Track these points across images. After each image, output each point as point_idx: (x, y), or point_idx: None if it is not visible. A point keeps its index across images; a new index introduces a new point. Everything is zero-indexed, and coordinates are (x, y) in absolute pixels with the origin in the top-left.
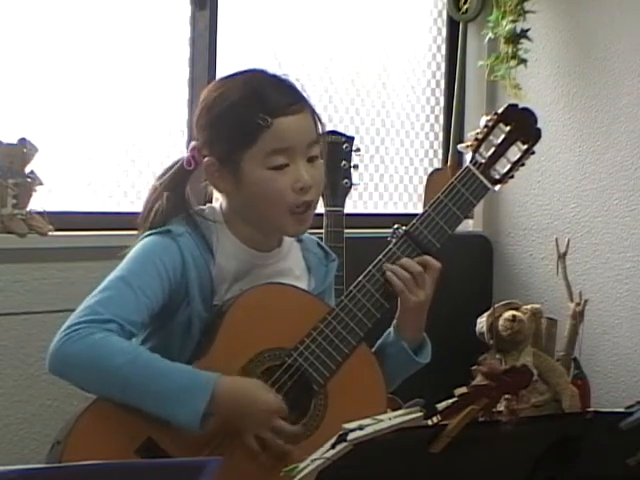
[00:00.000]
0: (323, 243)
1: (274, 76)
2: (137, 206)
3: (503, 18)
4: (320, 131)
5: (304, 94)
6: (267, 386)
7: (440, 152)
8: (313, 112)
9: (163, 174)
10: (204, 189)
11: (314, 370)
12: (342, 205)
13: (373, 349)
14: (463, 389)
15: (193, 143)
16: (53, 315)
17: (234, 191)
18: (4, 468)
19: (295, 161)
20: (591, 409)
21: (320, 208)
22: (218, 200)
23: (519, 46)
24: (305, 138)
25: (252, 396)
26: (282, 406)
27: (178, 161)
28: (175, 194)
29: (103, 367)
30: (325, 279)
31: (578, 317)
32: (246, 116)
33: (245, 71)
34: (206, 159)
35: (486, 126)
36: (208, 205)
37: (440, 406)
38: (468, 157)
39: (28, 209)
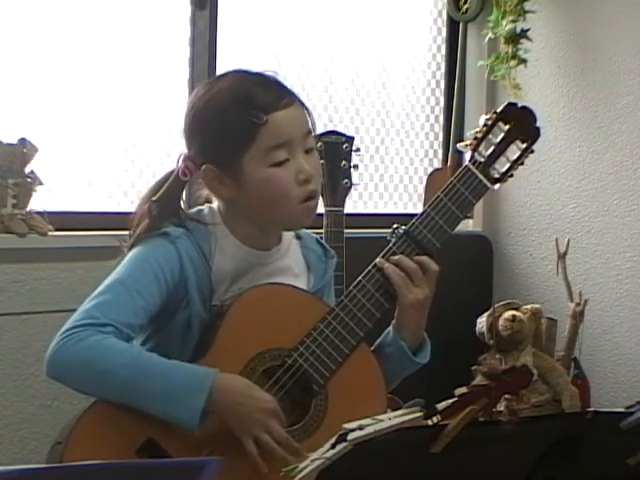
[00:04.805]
0: (322, 240)
1: (258, 74)
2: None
3: (503, 18)
4: (312, 122)
5: (290, 88)
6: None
7: (440, 152)
8: (302, 104)
9: (157, 188)
10: (200, 197)
11: (314, 370)
12: (342, 205)
13: (371, 348)
14: (463, 389)
15: (185, 153)
16: (53, 315)
17: (237, 195)
18: (4, 468)
19: (295, 154)
20: (591, 409)
21: (320, 208)
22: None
23: (519, 46)
24: (301, 129)
25: (251, 394)
26: (278, 408)
27: (171, 173)
28: (169, 206)
29: (101, 369)
30: (324, 276)
31: (578, 317)
32: (240, 117)
33: (227, 73)
34: (204, 167)
35: (485, 125)
36: (207, 205)
37: (440, 406)
38: (467, 156)
39: (28, 209)
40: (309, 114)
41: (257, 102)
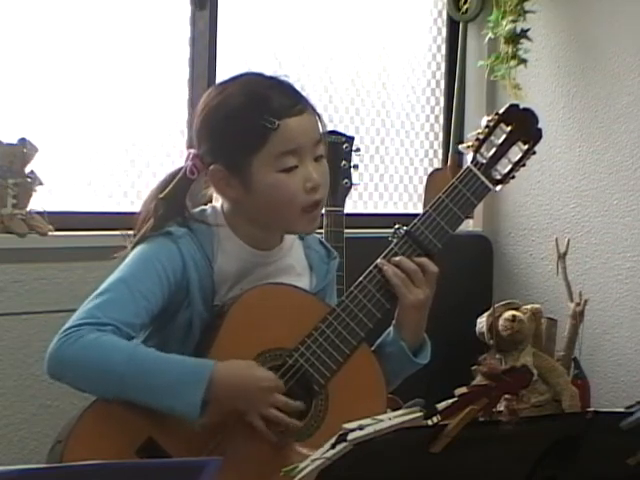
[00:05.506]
0: (325, 241)
1: (272, 78)
2: (137, 206)
3: (503, 18)
4: (323, 130)
5: (304, 94)
6: (260, 365)
7: (440, 152)
8: (315, 111)
9: (164, 185)
10: (203, 196)
11: (315, 370)
12: (342, 205)
13: (372, 348)
14: (463, 389)
15: (193, 151)
16: (53, 315)
17: (242, 196)
18: (4, 468)
19: (304, 162)
20: (591, 409)
21: None
22: (218, 200)
23: (519, 46)
24: (312, 137)
25: (249, 375)
26: (279, 383)
27: (178, 171)
28: (175, 203)
29: (100, 366)
30: (326, 276)
31: (578, 317)
32: (252, 120)
33: (241, 75)
34: (212, 167)
35: (487, 126)
36: (210, 205)
37: (440, 406)
38: (469, 157)
39: (28, 209)
40: (321, 122)
41: (270, 106)
